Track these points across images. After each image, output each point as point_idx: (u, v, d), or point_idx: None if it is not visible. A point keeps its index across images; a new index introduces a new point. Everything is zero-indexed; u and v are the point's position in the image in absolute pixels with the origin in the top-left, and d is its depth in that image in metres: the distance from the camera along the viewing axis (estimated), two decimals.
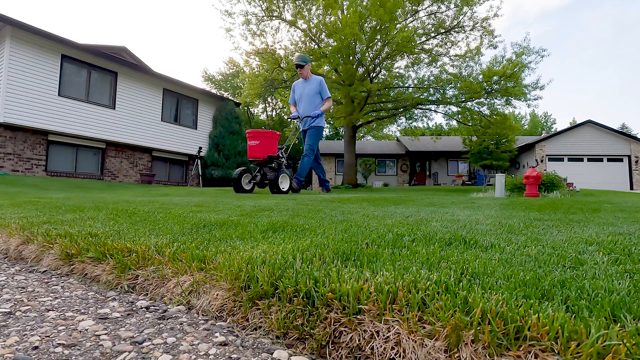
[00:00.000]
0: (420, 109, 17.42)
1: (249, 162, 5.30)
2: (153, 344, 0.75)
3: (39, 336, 0.77)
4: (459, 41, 15.52)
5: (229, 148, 14.10)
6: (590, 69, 79.21)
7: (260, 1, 14.46)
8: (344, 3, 13.60)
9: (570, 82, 79.84)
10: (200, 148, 13.95)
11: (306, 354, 0.72)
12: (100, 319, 0.88)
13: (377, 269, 0.86)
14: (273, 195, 4.69)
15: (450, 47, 15.68)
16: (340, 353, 0.70)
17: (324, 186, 5.87)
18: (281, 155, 5.37)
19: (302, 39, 15.35)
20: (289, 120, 5.36)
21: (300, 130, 5.62)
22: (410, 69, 16.97)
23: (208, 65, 66.49)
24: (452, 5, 14.48)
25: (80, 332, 0.80)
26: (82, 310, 0.94)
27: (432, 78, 16.40)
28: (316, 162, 5.63)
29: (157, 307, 0.96)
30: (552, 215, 2.21)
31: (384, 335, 0.67)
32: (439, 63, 16.09)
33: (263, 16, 14.87)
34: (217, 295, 0.92)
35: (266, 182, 5.18)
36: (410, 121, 19.27)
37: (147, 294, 1.06)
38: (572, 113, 79.37)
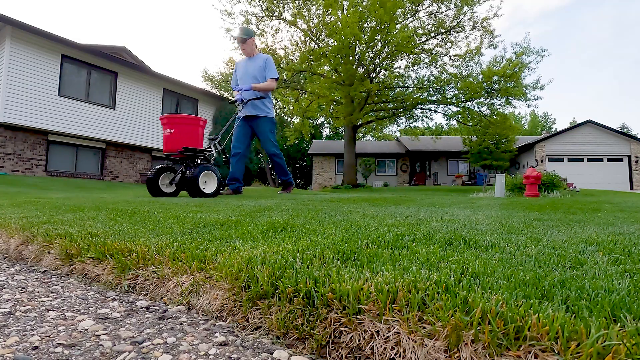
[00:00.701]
0: (420, 109, 17.44)
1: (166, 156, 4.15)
2: (153, 344, 0.75)
3: (39, 336, 0.77)
4: (459, 41, 15.57)
5: (229, 148, 14.09)
6: (590, 69, 79.36)
7: (260, 1, 14.48)
8: (344, 3, 13.62)
9: (570, 82, 79.98)
10: None
11: (306, 354, 0.72)
12: (100, 319, 0.88)
13: (377, 269, 0.86)
14: (273, 195, 4.63)
15: (450, 47, 15.71)
16: (340, 353, 0.70)
17: (233, 186, 4.66)
18: (214, 148, 4.33)
19: (302, 39, 15.37)
20: (230, 103, 4.28)
21: (240, 116, 4.62)
22: (410, 69, 17.00)
23: (208, 65, 66.46)
24: (452, 5, 14.51)
25: (80, 332, 0.80)
26: (82, 310, 0.94)
27: (432, 78, 16.43)
28: (244, 157, 4.71)
29: (157, 307, 0.96)
30: (552, 215, 2.21)
31: (384, 335, 0.67)
32: (439, 63, 16.13)
33: (263, 16, 14.88)
34: (217, 295, 0.92)
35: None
36: (410, 121, 19.29)
37: (147, 294, 1.06)
38: (572, 113, 79.47)
